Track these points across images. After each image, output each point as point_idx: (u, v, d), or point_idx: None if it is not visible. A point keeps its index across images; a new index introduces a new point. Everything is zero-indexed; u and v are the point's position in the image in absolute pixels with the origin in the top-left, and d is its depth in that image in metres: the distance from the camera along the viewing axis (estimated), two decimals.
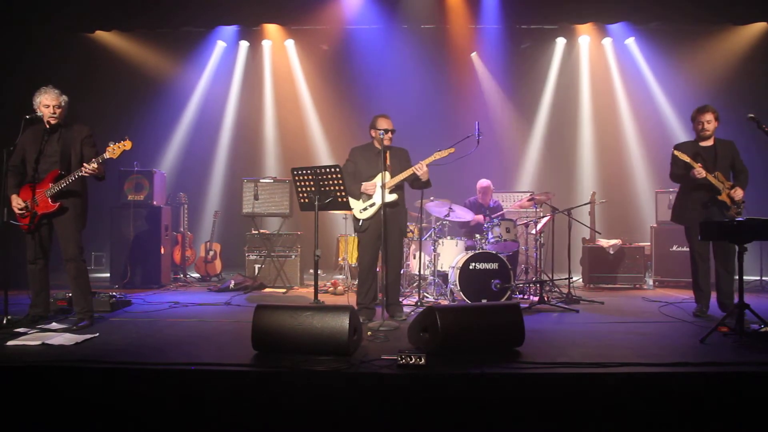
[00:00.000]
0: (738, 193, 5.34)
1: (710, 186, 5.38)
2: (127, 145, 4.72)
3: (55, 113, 4.73)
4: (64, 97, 4.83)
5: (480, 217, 7.33)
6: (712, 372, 3.39)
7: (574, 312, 5.81)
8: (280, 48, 10.15)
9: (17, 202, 4.70)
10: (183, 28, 9.12)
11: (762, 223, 4.25)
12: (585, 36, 9.78)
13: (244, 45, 10.14)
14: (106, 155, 4.69)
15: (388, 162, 5.33)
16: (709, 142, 5.53)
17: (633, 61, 9.78)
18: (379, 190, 5.15)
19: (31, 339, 4.10)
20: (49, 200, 4.69)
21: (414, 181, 5.39)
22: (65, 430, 3.21)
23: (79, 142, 4.85)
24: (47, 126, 4.76)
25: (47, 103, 4.73)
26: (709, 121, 5.44)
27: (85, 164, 4.65)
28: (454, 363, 3.47)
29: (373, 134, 5.38)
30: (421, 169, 5.23)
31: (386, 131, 5.28)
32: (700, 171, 5.26)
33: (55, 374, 3.38)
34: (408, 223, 6.23)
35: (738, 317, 4.27)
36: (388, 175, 5.29)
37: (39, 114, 4.73)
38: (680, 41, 9.20)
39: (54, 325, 4.71)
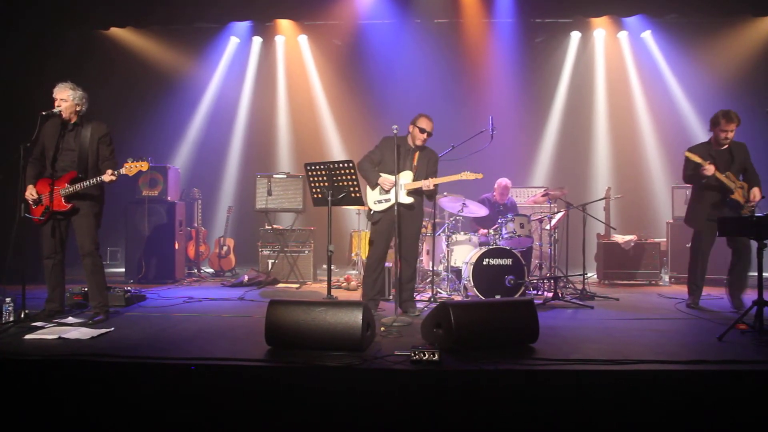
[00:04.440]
0: (756, 194, 5.35)
1: (722, 186, 5.41)
2: (144, 166, 4.80)
3: (60, 106, 4.73)
4: (78, 93, 4.81)
5: (485, 231, 7.21)
6: (730, 370, 3.33)
7: (588, 308, 5.76)
8: (293, 43, 10.16)
9: (31, 192, 4.72)
10: (196, 24, 9.18)
11: None
12: (600, 29, 9.67)
13: (257, 41, 10.16)
14: (122, 170, 4.76)
15: (415, 162, 5.33)
16: (724, 146, 5.54)
17: (649, 54, 9.64)
18: (396, 188, 5.15)
19: (47, 333, 4.14)
20: (63, 200, 4.73)
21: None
22: (80, 423, 3.24)
23: (96, 141, 4.86)
24: (62, 121, 4.79)
25: (55, 96, 4.76)
26: (733, 131, 5.41)
27: (104, 176, 4.69)
28: (467, 359, 3.45)
29: (411, 129, 5.37)
30: (428, 187, 5.26)
31: (423, 131, 5.30)
32: (708, 168, 5.26)
33: (71, 368, 3.42)
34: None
35: (757, 314, 4.21)
36: (411, 174, 5.29)
37: (57, 110, 4.74)
38: (698, 34, 9.05)
39: (70, 319, 4.76)
